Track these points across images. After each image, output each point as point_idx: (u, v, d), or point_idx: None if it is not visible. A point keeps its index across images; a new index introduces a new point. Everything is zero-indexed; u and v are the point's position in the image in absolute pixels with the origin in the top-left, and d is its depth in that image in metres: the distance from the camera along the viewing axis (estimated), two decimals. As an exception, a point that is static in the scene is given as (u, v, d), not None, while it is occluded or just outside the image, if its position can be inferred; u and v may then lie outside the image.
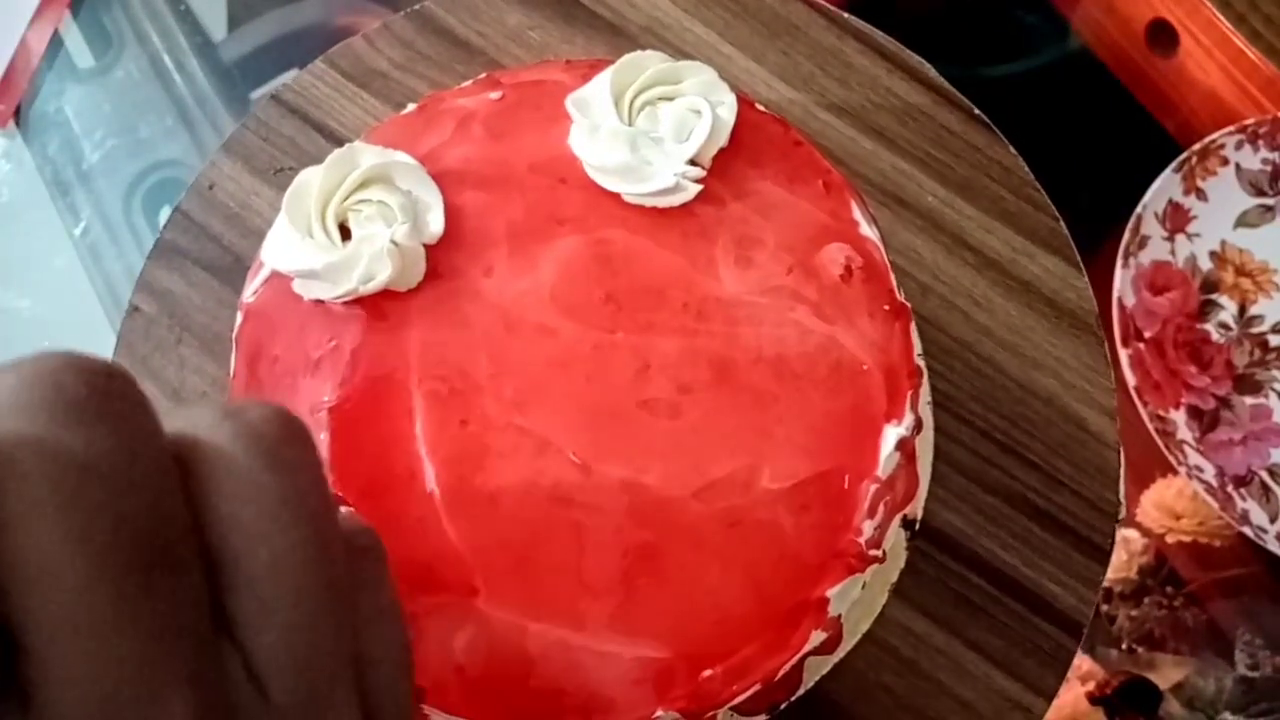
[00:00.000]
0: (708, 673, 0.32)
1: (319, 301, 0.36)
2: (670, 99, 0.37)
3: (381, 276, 0.35)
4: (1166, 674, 0.52)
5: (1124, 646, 0.53)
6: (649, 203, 0.36)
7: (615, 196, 0.36)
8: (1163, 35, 0.62)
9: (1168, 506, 0.54)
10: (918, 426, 0.36)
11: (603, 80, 0.37)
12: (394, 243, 0.35)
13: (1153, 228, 0.57)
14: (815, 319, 0.35)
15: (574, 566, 0.33)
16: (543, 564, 0.33)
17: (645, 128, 0.37)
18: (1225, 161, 0.58)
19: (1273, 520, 0.53)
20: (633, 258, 0.36)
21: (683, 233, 0.36)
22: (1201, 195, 0.58)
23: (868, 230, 0.37)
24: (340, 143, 0.42)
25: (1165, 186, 0.57)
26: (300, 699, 0.16)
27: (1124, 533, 0.54)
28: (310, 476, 0.17)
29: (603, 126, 0.36)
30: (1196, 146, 0.58)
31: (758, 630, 0.32)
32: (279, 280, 0.36)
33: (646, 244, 0.36)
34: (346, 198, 0.36)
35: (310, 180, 0.36)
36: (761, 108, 0.39)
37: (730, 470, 0.34)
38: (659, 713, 0.32)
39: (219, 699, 0.15)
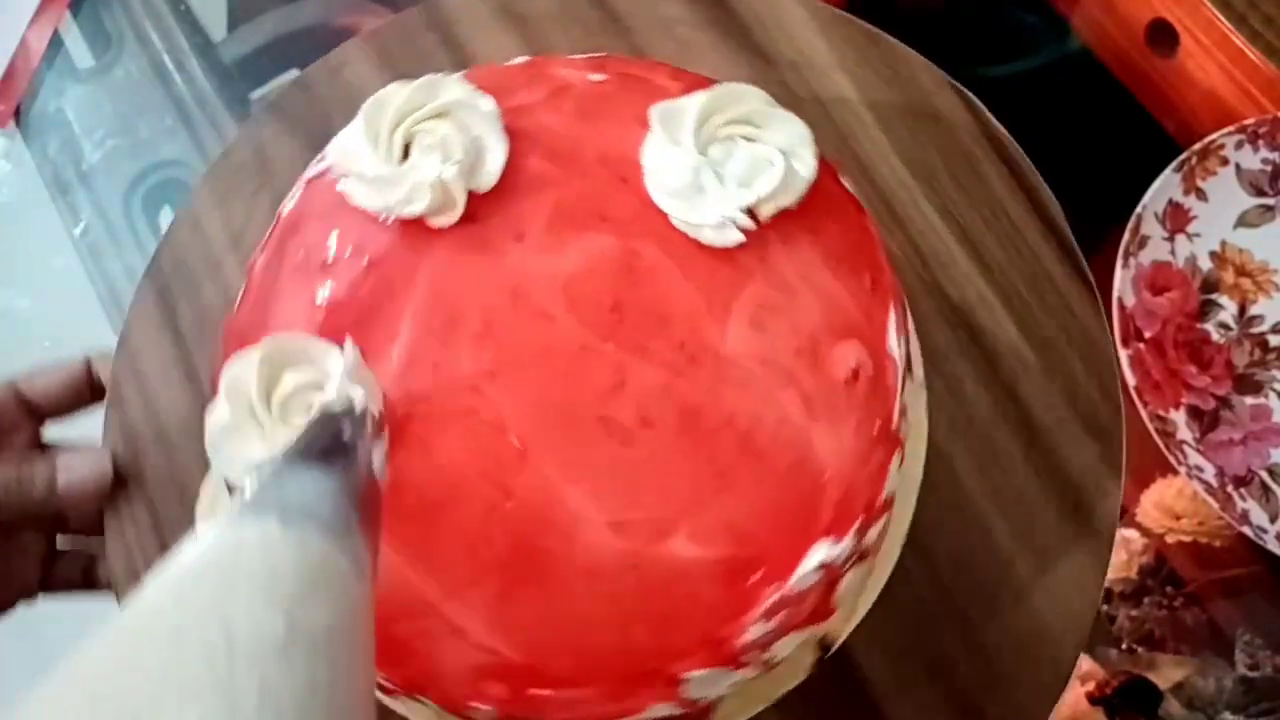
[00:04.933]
0: (537, 690, 0.32)
1: (360, 209, 0.37)
2: (751, 140, 0.36)
3: (418, 205, 0.36)
4: (1166, 674, 0.52)
5: (1124, 646, 0.53)
6: (693, 233, 0.36)
7: (664, 215, 0.36)
8: (1163, 35, 0.62)
9: (1168, 506, 0.54)
10: (857, 557, 0.35)
11: (696, 100, 0.36)
12: (441, 179, 0.35)
13: (1153, 228, 0.57)
14: (800, 410, 0.34)
15: (471, 539, 0.33)
16: (445, 522, 0.34)
17: (716, 158, 0.36)
18: (1225, 161, 0.58)
19: (1273, 520, 0.53)
20: (655, 278, 0.36)
21: (712, 273, 0.35)
22: (1201, 195, 0.58)
23: (894, 346, 0.35)
24: (461, 66, 0.43)
25: (1165, 186, 0.57)
26: None
27: (1124, 532, 0.54)
28: None
29: (676, 144, 0.36)
30: (1196, 146, 0.58)
31: (601, 676, 0.32)
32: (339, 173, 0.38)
33: (674, 271, 0.36)
34: (419, 122, 0.37)
35: (393, 95, 0.37)
36: (847, 184, 0.38)
37: (654, 516, 0.33)
38: (476, 704, 0.32)
39: None
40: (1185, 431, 0.55)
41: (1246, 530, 0.53)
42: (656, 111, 0.36)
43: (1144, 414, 0.54)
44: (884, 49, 0.47)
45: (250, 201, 0.48)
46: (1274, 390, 0.56)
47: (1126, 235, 0.57)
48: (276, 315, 0.37)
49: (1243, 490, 0.54)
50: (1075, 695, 0.52)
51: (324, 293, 0.37)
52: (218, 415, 0.34)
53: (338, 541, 0.20)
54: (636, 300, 0.35)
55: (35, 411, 0.44)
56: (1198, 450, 0.55)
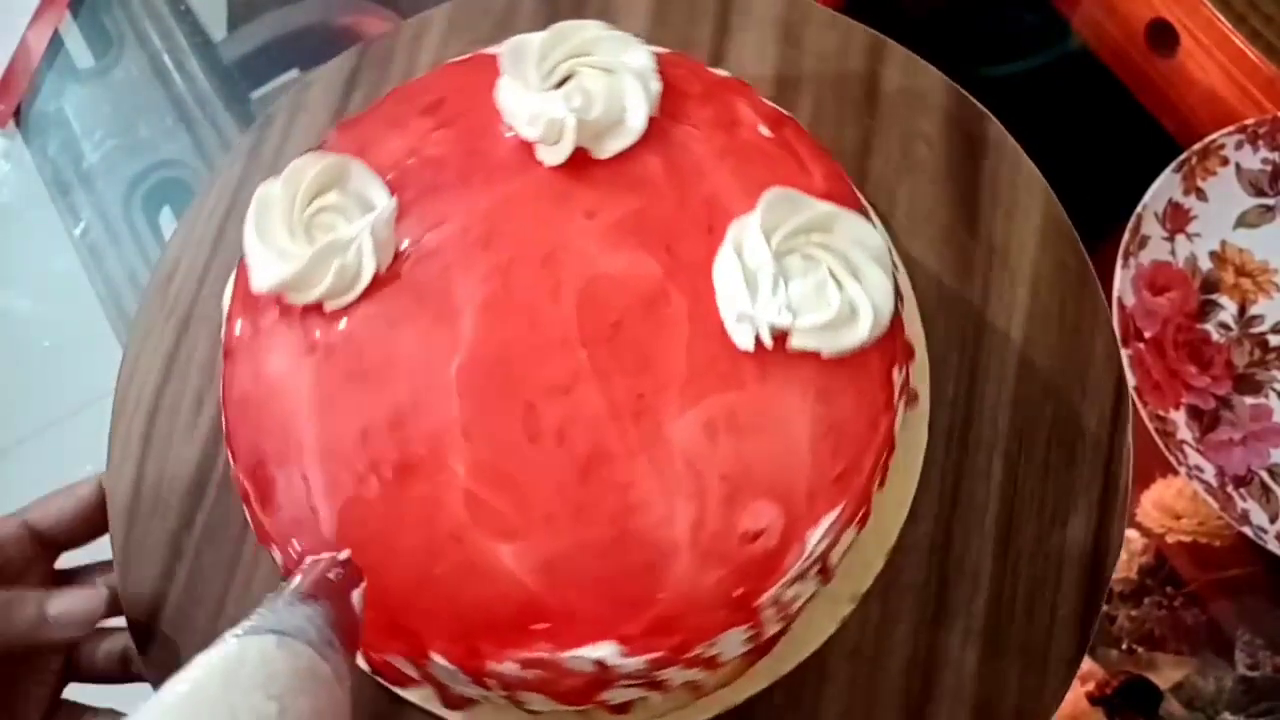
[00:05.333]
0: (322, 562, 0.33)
1: (495, 106, 0.38)
2: (835, 277, 0.34)
3: (530, 131, 0.37)
4: (1166, 674, 0.52)
5: (1124, 646, 0.53)
6: (722, 313, 0.35)
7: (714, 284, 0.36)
8: (1163, 35, 0.62)
9: (1168, 506, 0.54)
10: (646, 682, 0.34)
11: (812, 209, 0.35)
12: (562, 121, 0.36)
13: (1153, 228, 0.57)
14: (686, 527, 0.32)
15: (364, 421, 0.35)
16: (359, 390, 0.35)
17: (787, 269, 0.34)
18: (1225, 161, 0.58)
19: (1273, 520, 0.53)
20: (665, 329, 0.35)
21: (711, 360, 0.34)
22: (1201, 195, 0.58)
23: (814, 542, 0.33)
24: (716, 51, 0.46)
25: (1165, 186, 0.57)
26: None
27: (1125, 532, 0.54)
28: None
29: (762, 234, 0.34)
30: (1196, 146, 0.58)
31: (373, 604, 0.33)
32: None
33: (684, 335, 0.35)
34: (587, 65, 0.37)
35: (582, 30, 0.38)
36: (900, 375, 0.35)
37: (502, 514, 0.33)
38: (289, 550, 0.34)
39: None
40: (1185, 431, 0.55)
41: (1246, 530, 0.53)
42: (770, 195, 0.35)
43: (1144, 414, 0.54)
44: (1088, 293, 0.43)
45: (470, 44, 0.47)
46: (1274, 390, 0.56)
47: (1126, 235, 0.57)
48: (376, 138, 0.39)
49: (1243, 490, 0.54)
50: (1075, 695, 0.52)
51: (420, 148, 0.39)
52: (269, 188, 0.37)
53: (322, 655, 0.25)
54: (635, 334, 0.35)
55: (49, 543, 0.43)
56: (1198, 450, 0.55)
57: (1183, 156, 0.58)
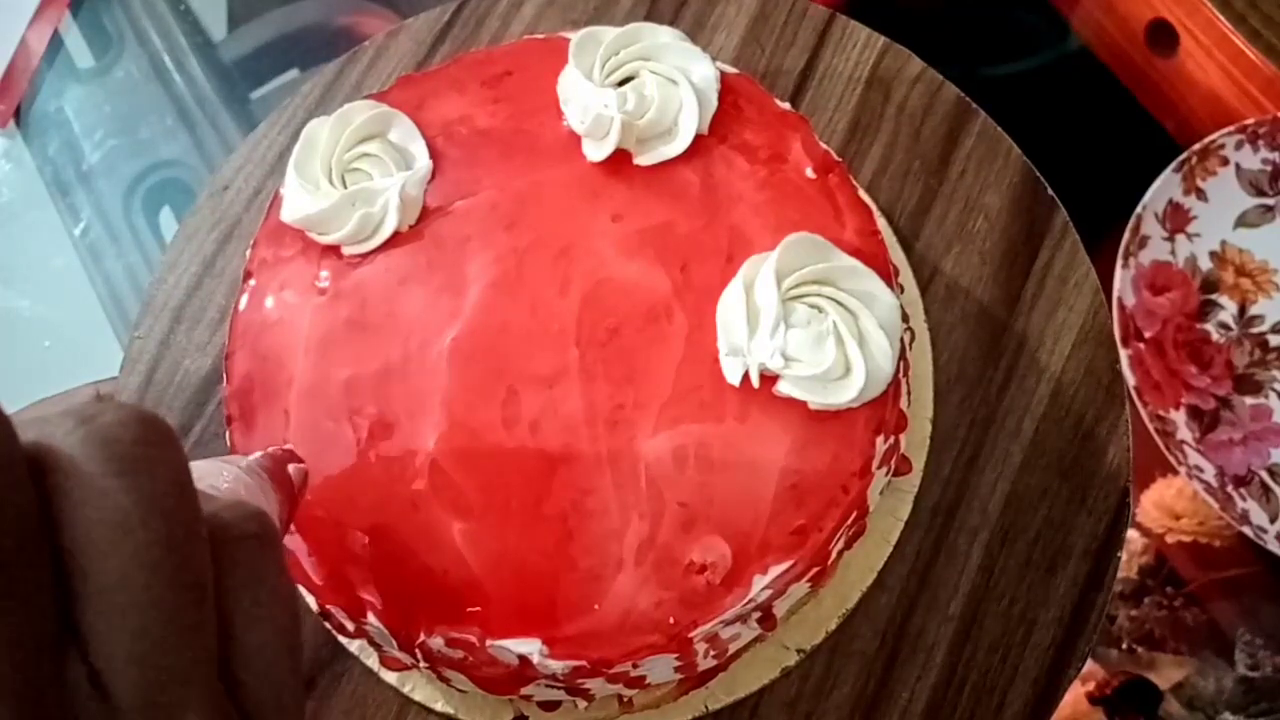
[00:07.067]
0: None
1: (556, 96, 0.39)
2: (838, 331, 0.33)
3: (580, 124, 0.38)
4: (1166, 674, 0.52)
5: (1124, 646, 0.53)
6: (719, 342, 0.35)
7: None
8: (1163, 35, 0.62)
9: (1168, 506, 0.54)
10: (560, 685, 0.34)
11: (832, 261, 0.35)
12: (613, 121, 0.36)
13: (1153, 228, 0.57)
14: (634, 545, 0.33)
15: (356, 368, 0.36)
16: (357, 340, 0.36)
17: (791, 315, 0.34)
18: (1225, 161, 0.58)
19: (1273, 520, 0.53)
20: (659, 344, 0.35)
21: (696, 386, 0.35)
22: (1201, 195, 0.58)
23: (757, 590, 0.32)
24: (799, 77, 0.46)
25: (1165, 186, 0.57)
26: (145, 703, 0.16)
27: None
28: (167, 477, 0.17)
29: (774, 275, 0.34)
30: (1196, 146, 0.58)
31: (307, 532, 0.34)
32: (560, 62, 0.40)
33: (677, 355, 0.35)
34: (648, 69, 0.38)
35: (647, 34, 0.38)
36: (890, 470, 0.35)
37: (463, 488, 0.34)
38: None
39: (51, 708, 0.15)
40: (1185, 431, 0.55)
41: (1246, 530, 0.53)
42: (793, 238, 0.34)
43: (1144, 414, 0.54)
44: (1113, 406, 0.43)
45: (564, 23, 0.48)
46: (1274, 390, 0.56)
47: (1126, 235, 0.57)
48: (434, 98, 0.40)
49: (1243, 490, 0.54)
50: (1075, 695, 0.52)
51: (472, 116, 0.39)
52: (318, 126, 0.38)
53: (248, 472, 0.27)
54: (630, 344, 0.35)
55: None
56: (1198, 450, 0.54)
57: (1183, 156, 0.58)
